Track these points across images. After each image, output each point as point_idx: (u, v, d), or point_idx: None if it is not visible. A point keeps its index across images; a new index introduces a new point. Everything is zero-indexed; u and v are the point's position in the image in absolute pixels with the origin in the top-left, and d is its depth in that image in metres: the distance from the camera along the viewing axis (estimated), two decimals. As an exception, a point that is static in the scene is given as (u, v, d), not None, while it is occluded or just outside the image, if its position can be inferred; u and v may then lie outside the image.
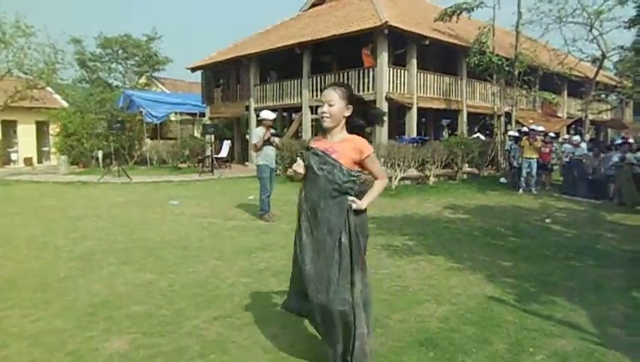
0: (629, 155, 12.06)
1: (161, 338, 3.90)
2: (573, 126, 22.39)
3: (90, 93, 26.86)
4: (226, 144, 22.09)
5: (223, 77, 24.31)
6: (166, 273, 5.68)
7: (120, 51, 33.42)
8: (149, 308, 4.56)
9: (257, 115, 20.82)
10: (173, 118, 28.82)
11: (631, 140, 13.76)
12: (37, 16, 45.04)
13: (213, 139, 20.46)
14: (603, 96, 25.74)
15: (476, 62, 17.30)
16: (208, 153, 19.97)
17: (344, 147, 3.17)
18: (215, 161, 19.10)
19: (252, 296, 4.90)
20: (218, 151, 21.25)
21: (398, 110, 17.79)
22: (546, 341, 3.87)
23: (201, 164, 19.80)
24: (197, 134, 27.73)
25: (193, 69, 24.44)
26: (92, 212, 10.16)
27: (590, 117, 21.33)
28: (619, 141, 14.46)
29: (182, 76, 34.70)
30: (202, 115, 25.58)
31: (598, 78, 21.16)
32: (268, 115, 9.17)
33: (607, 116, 26.30)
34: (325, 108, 3.16)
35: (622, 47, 21.26)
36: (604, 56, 20.54)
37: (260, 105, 20.85)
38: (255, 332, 4.02)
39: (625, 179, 11.85)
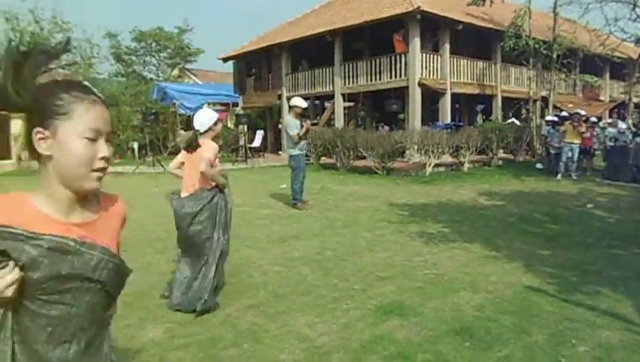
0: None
1: (195, 328, 3.91)
2: (616, 110, 21.60)
3: (125, 86, 27.33)
4: (259, 134, 22.18)
5: (255, 66, 24.37)
6: (200, 262, 5.71)
7: (153, 44, 33.87)
8: (184, 297, 4.59)
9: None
10: (206, 108, 29.05)
11: None
12: (72, 11, 46.04)
13: (246, 129, 20.54)
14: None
15: (511, 46, 16.86)
16: (242, 143, 20.09)
17: (108, 223, 1.43)
18: (248, 151, 19.21)
19: (286, 285, 4.89)
20: (251, 141, 21.35)
21: (432, 96, 17.51)
22: (590, 332, 3.72)
23: (234, 154, 19.94)
24: (230, 125, 27.95)
25: (225, 59, 24.59)
26: (127, 202, 10.29)
27: (634, 100, 20.52)
28: None
29: (214, 67, 34.95)
30: (235, 105, 25.72)
31: (642, 59, 20.30)
32: (300, 102, 9.04)
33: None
34: (104, 149, 1.30)
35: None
36: (648, 35, 19.67)
37: (292, 94, 20.77)
38: (289, 321, 4.00)
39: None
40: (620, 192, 11.09)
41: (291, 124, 8.93)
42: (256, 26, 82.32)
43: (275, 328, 3.89)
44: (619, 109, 21.12)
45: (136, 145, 23.82)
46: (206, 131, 4.52)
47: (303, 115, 9.20)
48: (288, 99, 21.07)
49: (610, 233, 7.10)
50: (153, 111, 21.34)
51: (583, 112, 14.36)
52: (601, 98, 22.58)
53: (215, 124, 4.60)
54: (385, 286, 4.80)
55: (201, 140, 4.39)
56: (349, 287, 4.76)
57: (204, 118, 4.60)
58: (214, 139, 4.60)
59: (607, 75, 23.34)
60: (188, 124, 26.08)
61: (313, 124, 9.23)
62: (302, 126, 8.89)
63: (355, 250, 6.09)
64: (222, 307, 4.32)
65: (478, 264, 5.53)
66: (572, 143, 13.38)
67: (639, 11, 18.69)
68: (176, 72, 34.90)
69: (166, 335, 3.79)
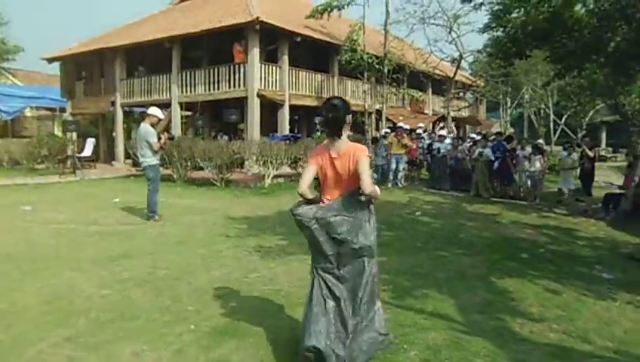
0: (486, 150, 12.93)
1: (-5, 371, 3.34)
2: (439, 123, 23.78)
3: None
4: (90, 142, 20.43)
5: (86, 70, 22.58)
6: (8, 292, 4.91)
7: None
8: (-18, 337, 3.91)
9: (130, 111, 19.63)
10: (29, 113, 26.21)
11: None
12: None
13: (75, 136, 18.84)
14: (461, 94, 27.68)
15: (347, 59, 17.66)
16: (70, 152, 18.37)
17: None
18: (78, 161, 17.59)
19: (112, 310, 4.43)
20: (81, 150, 19.64)
21: (271, 107, 17.63)
22: (419, 335, 3.90)
23: (61, 165, 18.13)
24: (58, 132, 25.48)
25: (50, 60, 22.39)
26: None
27: (452, 114, 22.79)
28: (474, 136, 15.60)
29: (39, 68, 31.72)
30: (63, 110, 23.54)
31: (457, 78, 22.64)
32: (158, 112, 9.03)
33: (465, 113, 28.35)
34: None
35: (477, 50, 23.05)
36: (461, 56, 22.05)
37: (127, 101, 19.71)
38: (114, 352, 3.62)
39: (481, 174, 12.76)
40: (441, 200, 12.12)
41: (152, 132, 8.73)
42: (91, 27, 76.32)
43: (96, 361, 3.47)
44: (440, 122, 23.31)
45: None
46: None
47: (155, 124, 9.12)
48: (122, 105, 20.00)
49: (435, 236, 7.71)
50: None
51: (407, 126, 15.57)
52: (426, 111, 24.71)
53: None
54: (220, 306, 4.58)
55: None
56: (183, 309, 4.46)
57: None
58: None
59: (430, 90, 25.60)
60: (4, 130, 23.25)
61: (171, 138, 9.70)
62: (159, 138, 8.85)
63: (189, 269, 5.76)
64: (33, 342, 3.76)
65: (316, 274, 5.54)
66: (397, 154, 14.43)
67: (454, 35, 20.99)
68: (-13, 70, 30.92)
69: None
